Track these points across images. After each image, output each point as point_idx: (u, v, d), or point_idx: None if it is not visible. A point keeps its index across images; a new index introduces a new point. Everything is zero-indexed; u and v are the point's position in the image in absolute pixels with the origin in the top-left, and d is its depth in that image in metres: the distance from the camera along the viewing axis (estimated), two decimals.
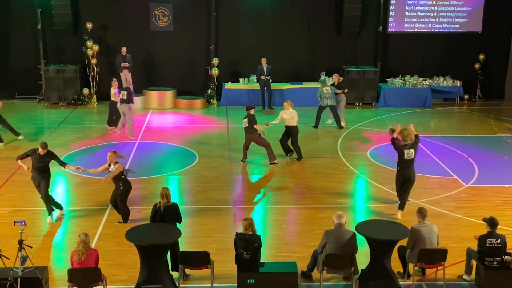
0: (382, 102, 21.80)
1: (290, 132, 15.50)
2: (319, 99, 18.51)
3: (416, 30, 22.52)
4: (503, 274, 9.28)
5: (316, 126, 18.71)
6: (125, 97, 17.04)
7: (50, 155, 11.66)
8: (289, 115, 15.37)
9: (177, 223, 9.78)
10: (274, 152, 15.18)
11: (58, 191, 13.37)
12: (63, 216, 12.00)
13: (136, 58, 21.23)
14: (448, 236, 11.05)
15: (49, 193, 11.89)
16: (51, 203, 11.82)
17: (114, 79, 18.27)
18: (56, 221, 11.77)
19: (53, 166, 11.86)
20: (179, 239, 9.50)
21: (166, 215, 9.62)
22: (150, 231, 9.47)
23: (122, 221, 11.64)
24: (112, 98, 17.93)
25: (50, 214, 11.77)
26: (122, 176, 11.47)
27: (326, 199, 13.09)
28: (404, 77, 22.20)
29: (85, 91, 21.11)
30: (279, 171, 14.92)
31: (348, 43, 22.43)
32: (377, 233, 9.25)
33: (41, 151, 11.48)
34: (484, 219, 9.51)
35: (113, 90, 17.79)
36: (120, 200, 11.59)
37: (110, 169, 11.45)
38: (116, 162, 11.43)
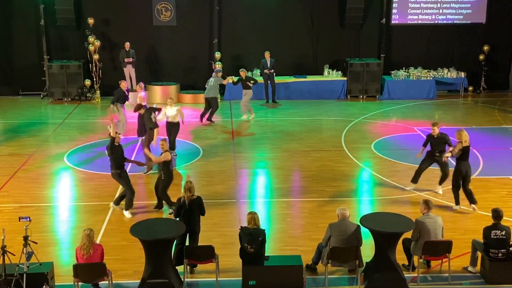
0: (386, 94, 21.76)
1: (172, 128, 15.18)
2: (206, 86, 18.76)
3: (419, 21, 22.42)
4: (508, 266, 9.28)
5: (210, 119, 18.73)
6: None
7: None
8: (173, 112, 15.09)
9: (200, 216, 9.82)
10: None
11: (63, 186, 13.41)
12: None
13: (139, 53, 21.24)
14: (453, 228, 11.05)
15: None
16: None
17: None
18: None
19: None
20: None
21: (192, 208, 9.62)
22: (155, 226, 9.48)
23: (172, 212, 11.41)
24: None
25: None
26: (165, 166, 11.64)
27: (331, 192, 13.08)
28: (408, 69, 22.13)
29: (87, 82, 21.14)
30: (283, 164, 14.91)
31: (352, 35, 22.37)
32: (382, 226, 9.24)
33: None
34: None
35: (142, 93, 16.28)
36: (161, 190, 11.78)
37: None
38: (166, 151, 11.67)
